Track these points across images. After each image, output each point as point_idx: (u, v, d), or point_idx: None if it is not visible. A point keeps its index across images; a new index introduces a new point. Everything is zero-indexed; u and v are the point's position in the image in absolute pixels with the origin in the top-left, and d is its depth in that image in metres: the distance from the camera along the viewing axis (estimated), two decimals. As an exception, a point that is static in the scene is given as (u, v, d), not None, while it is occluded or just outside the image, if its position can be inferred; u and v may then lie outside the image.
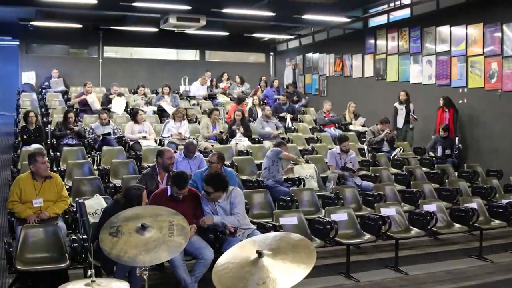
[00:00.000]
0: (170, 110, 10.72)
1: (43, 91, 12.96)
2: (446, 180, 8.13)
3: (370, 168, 8.48)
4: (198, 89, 13.43)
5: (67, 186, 6.03)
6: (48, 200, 5.24)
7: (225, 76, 14.65)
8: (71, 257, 4.63)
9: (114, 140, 8.72)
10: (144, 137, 9.02)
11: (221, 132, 9.32)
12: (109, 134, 8.80)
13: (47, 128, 9.12)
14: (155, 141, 9.17)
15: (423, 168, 8.76)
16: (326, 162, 8.68)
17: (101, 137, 8.74)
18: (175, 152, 7.86)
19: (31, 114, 8.57)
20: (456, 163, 9.25)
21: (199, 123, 10.21)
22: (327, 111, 11.44)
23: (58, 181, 5.43)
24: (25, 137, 8.44)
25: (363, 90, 13.01)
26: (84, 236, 4.73)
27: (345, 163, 7.76)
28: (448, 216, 6.57)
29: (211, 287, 2.68)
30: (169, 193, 4.96)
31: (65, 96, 12.69)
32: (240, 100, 11.49)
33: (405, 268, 5.85)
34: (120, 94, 11.50)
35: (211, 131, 9.34)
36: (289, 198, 6.46)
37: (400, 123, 10.49)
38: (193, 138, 8.89)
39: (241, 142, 9.25)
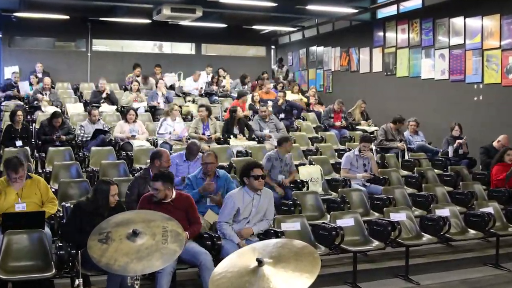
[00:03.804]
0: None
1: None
2: (460, 183, 8.12)
3: (379, 169, 8.47)
4: (191, 85, 13.43)
5: (53, 189, 6.02)
6: (31, 202, 5.24)
7: (221, 72, 14.63)
8: (57, 266, 4.63)
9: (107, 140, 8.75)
10: (133, 136, 9.03)
11: (208, 137, 9.27)
12: (104, 132, 8.82)
13: (31, 127, 9.14)
14: (149, 141, 9.17)
15: (435, 170, 8.76)
16: (332, 164, 8.71)
17: (90, 137, 8.77)
18: (171, 153, 7.88)
19: (19, 113, 8.62)
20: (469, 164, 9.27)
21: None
22: (338, 110, 11.29)
23: (41, 182, 5.42)
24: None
25: (371, 86, 13.02)
26: (71, 243, 4.72)
27: (364, 164, 7.76)
28: (462, 222, 6.57)
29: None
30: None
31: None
32: (240, 96, 11.49)
33: (416, 278, 5.85)
34: (111, 99, 11.50)
35: (201, 131, 9.31)
36: (291, 202, 6.45)
37: None
38: (188, 139, 8.89)
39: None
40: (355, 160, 7.80)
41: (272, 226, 5.72)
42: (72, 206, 5.10)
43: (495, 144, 8.78)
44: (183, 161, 6.97)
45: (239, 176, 5.43)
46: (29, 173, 5.43)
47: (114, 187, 4.89)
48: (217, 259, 4.69)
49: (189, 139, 8.88)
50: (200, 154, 7.22)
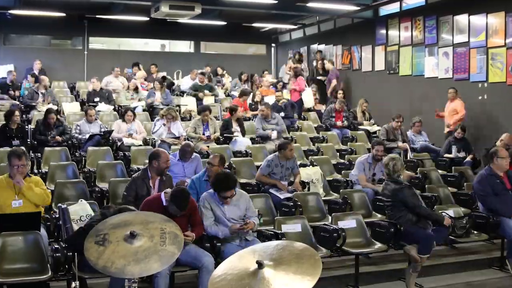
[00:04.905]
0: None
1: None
2: (464, 184, 8.12)
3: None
4: (189, 83, 13.42)
5: (49, 190, 6.02)
6: (29, 202, 5.25)
7: (220, 70, 14.62)
8: (53, 268, 4.63)
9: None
10: (130, 135, 9.03)
11: (208, 137, 9.27)
12: (103, 135, 8.83)
13: (27, 127, 9.15)
14: (145, 141, 9.16)
15: (439, 171, 8.75)
16: (333, 164, 8.70)
17: (87, 137, 8.77)
18: (169, 153, 7.89)
19: (16, 113, 8.66)
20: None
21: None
22: (339, 109, 11.26)
23: (39, 182, 5.49)
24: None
25: (374, 84, 13.01)
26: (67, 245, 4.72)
27: (374, 174, 7.48)
28: (467, 223, 6.55)
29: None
30: (164, 203, 4.93)
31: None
32: (242, 94, 11.48)
33: (420, 280, 5.84)
34: (109, 98, 11.56)
35: (201, 131, 9.31)
36: (292, 204, 6.45)
37: None
38: (187, 139, 8.90)
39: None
40: (368, 167, 7.48)
41: (273, 227, 5.73)
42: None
43: (498, 144, 8.76)
44: (177, 161, 6.99)
45: (211, 183, 5.38)
46: (28, 173, 5.47)
47: None
48: (217, 262, 4.70)
49: (187, 138, 8.91)
50: (195, 154, 7.26)
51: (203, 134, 9.26)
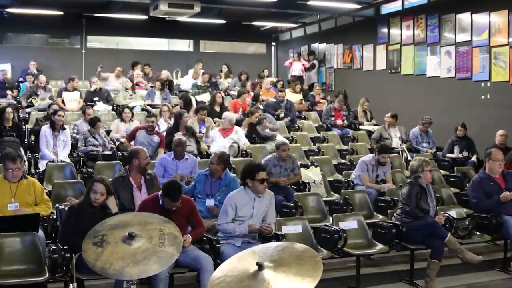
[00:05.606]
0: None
1: (20, 85, 12.97)
2: (467, 184, 8.11)
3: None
4: (190, 82, 13.39)
5: (46, 191, 6.02)
6: (25, 203, 5.25)
7: (224, 70, 14.57)
8: (51, 270, 4.63)
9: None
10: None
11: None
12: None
13: (24, 127, 9.13)
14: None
15: (441, 171, 8.75)
16: (334, 164, 8.70)
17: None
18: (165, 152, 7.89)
19: (8, 109, 8.59)
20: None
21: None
22: (339, 108, 11.24)
23: (36, 184, 5.47)
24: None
25: (375, 84, 13.01)
26: (65, 246, 4.72)
27: (377, 175, 7.47)
28: (469, 224, 6.55)
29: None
30: (160, 202, 4.93)
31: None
32: (240, 94, 11.46)
33: (422, 282, 5.84)
34: (108, 98, 11.56)
35: (197, 129, 9.30)
36: (292, 205, 6.45)
37: None
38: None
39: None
40: (371, 169, 7.46)
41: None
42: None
43: (497, 141, 8.68)
44: (172, 159, 6.98)
45: (241, 177, 5.41)
46: (24, 175, 5.47)
47: (97, 185, 4.87)
48: (216, 264, 4.70)
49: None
50: (190, 155, 7.23)
51: (200, 132, 9.26)
